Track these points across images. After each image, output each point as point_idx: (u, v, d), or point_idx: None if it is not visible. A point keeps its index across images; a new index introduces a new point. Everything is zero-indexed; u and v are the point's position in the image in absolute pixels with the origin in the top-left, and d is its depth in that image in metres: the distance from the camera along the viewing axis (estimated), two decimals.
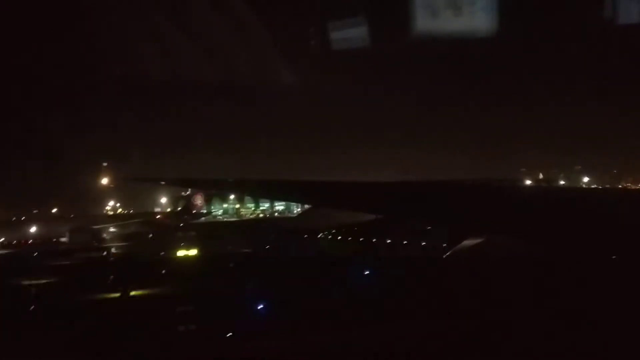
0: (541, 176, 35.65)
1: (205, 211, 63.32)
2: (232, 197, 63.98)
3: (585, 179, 37.32)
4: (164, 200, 62.54)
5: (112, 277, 21.53)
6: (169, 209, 60.58)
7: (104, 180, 48.83)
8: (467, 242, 16.98)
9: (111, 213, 59.32)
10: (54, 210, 55.02)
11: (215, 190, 52.64)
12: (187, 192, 58.24)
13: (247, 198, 63.83)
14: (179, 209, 58.45)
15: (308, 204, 18.77)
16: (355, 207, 16.41)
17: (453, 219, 13.42)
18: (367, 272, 18.89)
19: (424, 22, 15.90)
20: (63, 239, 45.20)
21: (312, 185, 16.27)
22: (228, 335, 12.65)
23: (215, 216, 63.96)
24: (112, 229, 49.35)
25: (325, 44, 16.84)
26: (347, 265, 21.96)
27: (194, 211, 59.23)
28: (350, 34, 16.69)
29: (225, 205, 65.31)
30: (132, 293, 19.22)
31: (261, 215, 64.19)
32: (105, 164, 48.80)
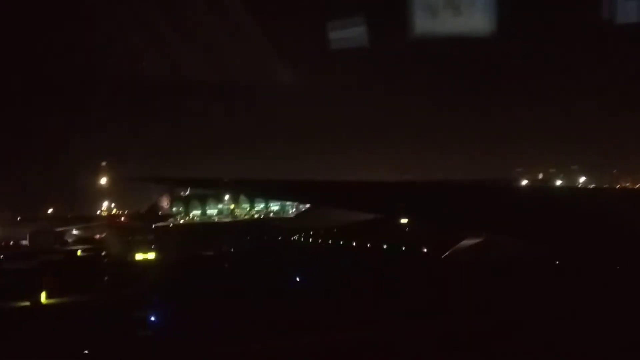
0: (541, 176, 35.67)
1: (176, 212, 62.98)
2: (226, 197, 64.07)
3: (582, 179, 37.31)
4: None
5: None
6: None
7: (103, 180, 48.44)
8: (466, 242, 17.04)
9: (104, 213, 58.98)
10: (50, 210, 54.29)
11: (215, 190, 52.28)
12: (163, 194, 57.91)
13: (242, 199, 63.89)
14: (147, 210, 56.85)
15: (309, 203, 18.73)
16: (355, 207, 16.42)
17: (453, 219, 13.45)
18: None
19: (423, 22, 15.89)
20: (24, 242, 43.59)
21: (313, 184, 16.28)
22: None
23: (193, 217, 63.83)
24: (75, 232, 48.25)
25: (324, 43, 16.85)
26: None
27: (159, 213, 57.89)
28: (350, 34, 16.70)
29: (220, 206, 65.13)
30: (49, 301, 17.67)
31: (256, 216, 64.08)
32: (104, 164, 48.38)
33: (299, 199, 15.76)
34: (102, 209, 58.20)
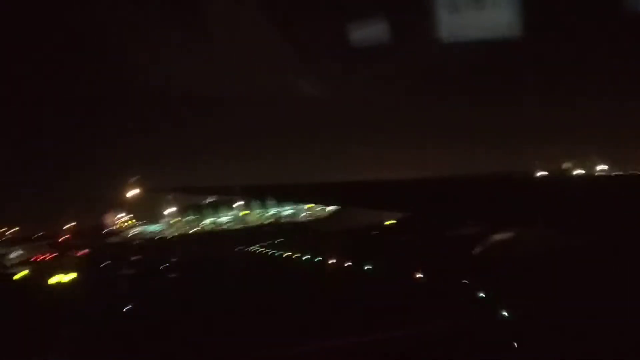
0: (566, 166, 35.42)
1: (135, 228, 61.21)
2: (236, 205, 63.85)
3: (602, 167, 36.99)
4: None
5: None
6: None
7: (130, 193, 47.68)
8: (498, 236, 16.92)
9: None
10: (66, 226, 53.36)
11: (238, 197, 52.02)
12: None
13: (254, 204, 63.69)
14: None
15: (335, 205, 18.71)
16: (384, 207, 16.37)
17: (485, 214, 13.40)
18: None
19: (446, 18, 15.90)
20: None
21: (338, 186, 16.27)
22: None
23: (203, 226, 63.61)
24: (19, 252, 45.92)
25: (344, 42, 16.82)
26: None
27: (104, 231, 56.07)
28: (370, 33, 16.66)
29: (232, 212, 64.88)
30: None
31: (267, 221, 63.71)
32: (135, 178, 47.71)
33: (329, 201, 15.74)
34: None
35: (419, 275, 16.63)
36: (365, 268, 20.43)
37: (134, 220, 62.01)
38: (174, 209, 62.24)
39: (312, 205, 60.61)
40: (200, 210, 63.39)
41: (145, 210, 60.91)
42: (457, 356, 10.80)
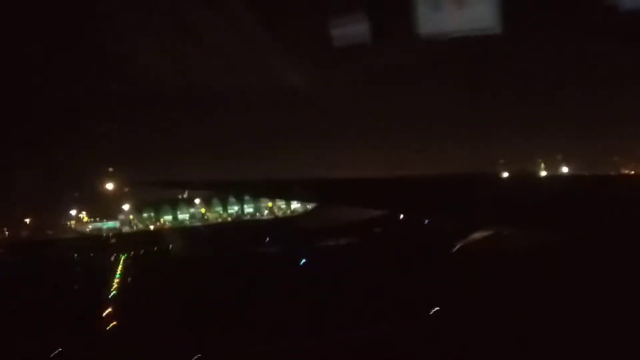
0: (542, 166, 36.10)
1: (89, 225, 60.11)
2: (197, 201, 63.15)
3: (565, 169, 37.91)
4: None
5: None
6: None
7: (110, 186, 46.17)
8: (477, 235, 17.05)
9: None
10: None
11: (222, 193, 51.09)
12: None
13: (214, 202, 63.09)
14: None
15: (315, 202, 18.59)
16: (362, 204, 16.32)
17: (461, 212, 13.46)
18: None
19: (426, 16, 15.84)
20: None
21: (319, 182, 16.16)
22: None
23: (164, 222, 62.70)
24: None
25: (324, 40, 16.68)
26: None
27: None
28: (350, 30, 16.53)
29: (192, 210, 64.07)
30: None
31: (229, 219, 63.18)
32: (111, 169, 46.25)
33: (311, 198, 15.61)
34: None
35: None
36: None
37: (87, 217, 60.61)
38: (130, 205, 61.00)
39: (271, 204, 60.80)
40: (159, 207, 62.54)
41: (101, 205, 59.42)
42: None
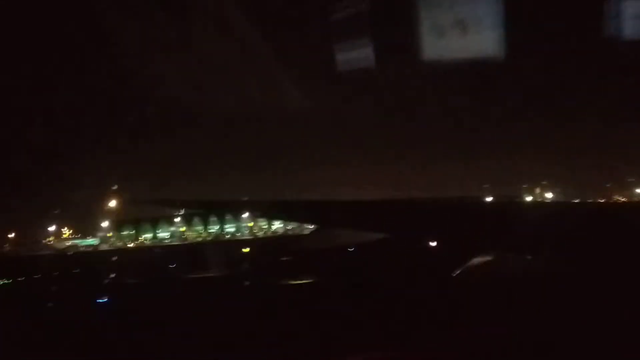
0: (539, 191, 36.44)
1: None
2: (177, 220, 62.44)
3: (550, 195, 38.37)
4: None
5: None
6: None
7: (112, 204, 45.72)
8: (477, 260, 17.12)
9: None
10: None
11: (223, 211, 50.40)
12: None
13: (195, 221, 62.40)
14: None
15: (314, 224, 18.48)
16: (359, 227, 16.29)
17: (462, 237, 13.49)
18: None
19: (430, 42, 16.07)
20: None
21: (317, 205, 16.09)
22: None
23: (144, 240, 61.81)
24: None
25: (330, 65, 16.78)
26: None
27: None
28: (356, 55, 16.66)
29: (172, 229, 63.30)
30: None
31: (209, 238, 62.33)
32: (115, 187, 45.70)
33: (304, 219, 15.54)
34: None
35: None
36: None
37: (68, 233, 59.68)
38: (110, 222, 60.17)
39: (252, 224, 60.43)
40: (139, 225, 61.70)
41: (82, 222, 58.66)
42: None
